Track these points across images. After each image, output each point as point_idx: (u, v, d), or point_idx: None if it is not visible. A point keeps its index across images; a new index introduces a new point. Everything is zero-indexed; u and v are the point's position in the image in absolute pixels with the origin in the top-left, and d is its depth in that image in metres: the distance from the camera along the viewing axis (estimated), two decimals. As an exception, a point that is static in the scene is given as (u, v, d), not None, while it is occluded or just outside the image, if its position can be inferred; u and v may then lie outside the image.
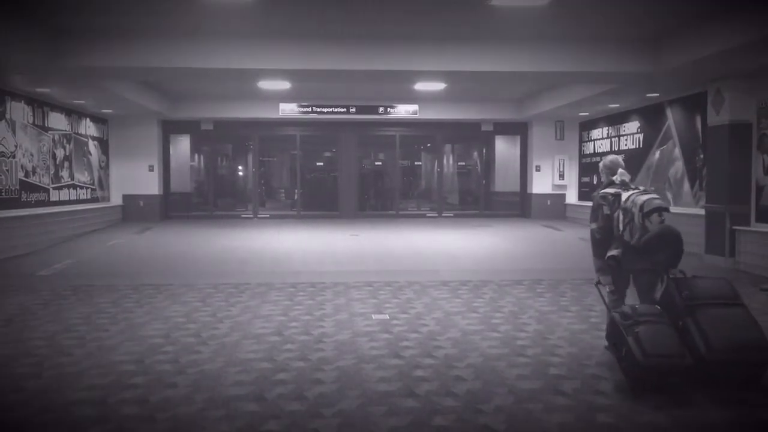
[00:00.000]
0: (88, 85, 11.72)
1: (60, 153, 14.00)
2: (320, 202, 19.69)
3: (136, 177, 17.14)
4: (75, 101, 13.89)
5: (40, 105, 13.03)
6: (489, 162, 19.90)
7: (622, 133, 15.21)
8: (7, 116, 11.65)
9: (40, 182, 12.96)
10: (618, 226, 5.05)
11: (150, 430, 3.92)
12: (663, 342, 4.43)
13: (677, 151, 12.75)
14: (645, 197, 4.91)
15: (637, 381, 4.53)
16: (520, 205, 18.89)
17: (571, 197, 18.04)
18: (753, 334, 4.53)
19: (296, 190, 19.31)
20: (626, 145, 14.97)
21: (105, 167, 16.76)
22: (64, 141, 14.23)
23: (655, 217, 4.82)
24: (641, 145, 14.23)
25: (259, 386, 4.65)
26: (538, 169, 18.16)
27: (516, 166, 19.16)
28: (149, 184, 17.28)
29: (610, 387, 4.65)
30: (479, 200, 19.68)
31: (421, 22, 9.10)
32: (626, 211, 4.97)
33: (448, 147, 21.16)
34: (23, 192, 12.22)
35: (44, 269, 9.96)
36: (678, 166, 12.70)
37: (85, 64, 9.69)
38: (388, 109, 17.29)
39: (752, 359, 4.49)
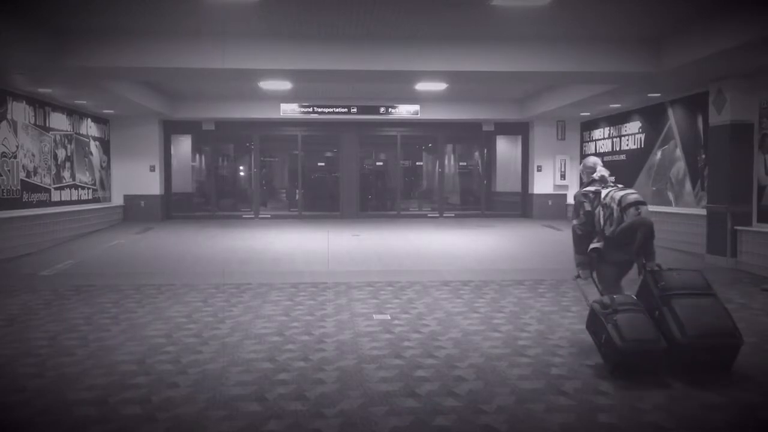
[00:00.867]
0: (89, 85, 11.73)
1: (61, 153, 14.01)
2: (322, 203, 19.70)
3: (138, 177, 17.15)
4: (76, 101, 13.90)
5: (42, 105, 13.04)
6: (490, 162, 19.90)
7: (623, 133, 15.20)
8: (9, 116, 11.66)
9: (41, 183, 12.97)
10: (599, 221, 5.41)
11: (151, 430, 3.92)
12: (639, 328, 4.77)
13: (679, 151, 12.74)
14: (622, 193, 5.28)
15: (616, 365, 4.84)
16: (522, 206, 18.89)
17: (573, 197, 18.00)
18: (724, 322, 4.90)
19: (297, 191, 19.32)
20: (628, 145, 14.96)
21: (106, 167, 16.78)
22: (66, 141, 14.24)
23: (632, 210, 5.16)
24: (643, 145, 14.22)
25: (260, 386, 4.66)
26: (539, 169, 18.15)
27: (517, 166, 19.15)
28: (150, 185, 17.29)
29: (611, 387, 4.65)
30: (480, 200, 19.66)
31: (422, 23, 9.11)
32: (606, 207, 5.34)
33: (449, 147, 21.14)
34: (25, 192, 12.23)
35: (46, 269, 9.98)
36: (679, 166, 12.69)
37: (87, 64, 9.70)
38: (390, 110, 17.28)
39: (723, 344, 4.85)
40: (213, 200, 19.02)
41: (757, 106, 10.29)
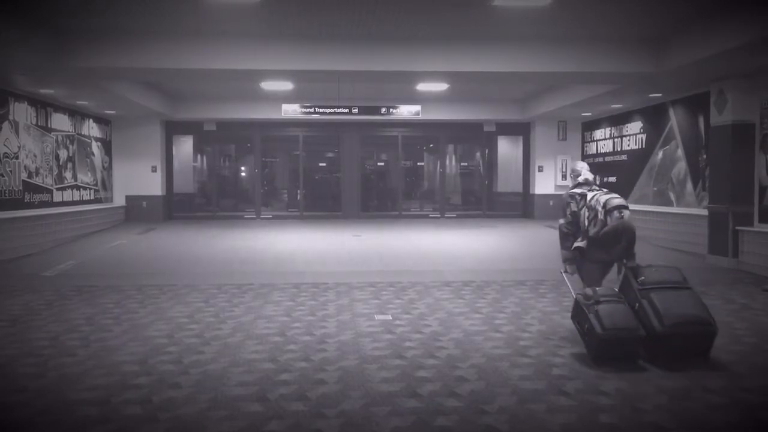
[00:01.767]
0: (90, 85, 11.75)
1: (63, 154, 14.03)
2: (323, 203, 19.70)
3: (139, 178, 17.17)
4: (78, 102, 13.92)
5: (43, 106, 13.06)
6: (491, 162, 19.89)
7: (624, 133, 15.19)
8: (11, 117, 11.68)
9: (43, 183, 12.99)
10: (584, 222, 5.77)
11: (152, 430, 3.93)
12: (619, 317, 5.11)
13: (680, 152, 12.73)
14: (607, 197, 5.66)
15: (598, 352, 5.16)
16: (523, 206, 18.88)
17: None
18: (700, 312, 5.24)
19: (299, 191, 19.33)
20: (629, 145, 14.95)
21: (108, 168, 16.79)
22: (68, 142, 14.26)
23: (615, 213, 5.53)
24: (644, 146, 14.21)
25: (261, 386, 4.66)
26: (540, 169, 18.15)
27: (518, 166, 19.15)
28: (152, 185, 17.30)
29: (612, 387, 4.65)
30: (482, 201, 19.66)
31: (423, 23, 9.11)
32: (591, 209, 5.71)
33: (450, 147, 21.13)
34: (26, 193, 12.25)
35: (48, 270, 9.99)
36: (681, 167, 12.68)
37: (88, 64, 9.72)
38: (391, 110, 17.28)
39: (699, 332, 5.19)
40: (214, 201, 19.04)
41: (758, 106, 10.28)
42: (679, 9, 8.41)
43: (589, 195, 5.80)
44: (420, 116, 17.36)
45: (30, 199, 12.39)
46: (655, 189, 13.63)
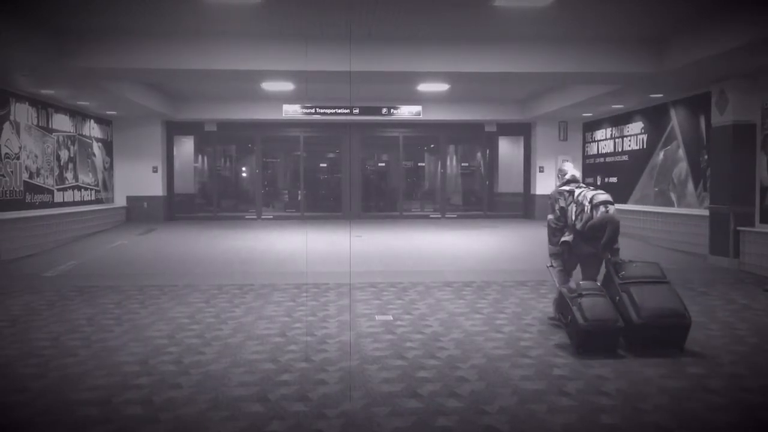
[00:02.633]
0: (91, 86, 11.76)
1: (64, 154, 14.04)
2: (324, 203, 19.70)
3: (140, 178, 17.18)
4: (79, 103, 13.93)
5: (44, 106, 13.07)
6: (492, 163, 19.89)
7: (625, 133, 15.19)
8: (12, 118, 11.69)
9: (44, 184, 13.00)
10: (571, 217, 6.11)
11: (153, 430, 3.93)
12: (600, 309, 5.43)
13: (681, 152, 12.72)
14: (593, 193, 6.01)
15: (580, 341, 5.45)
16: (524, 206, 18.88)
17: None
18: (675, 305, 5.53)
19: (300, 191, 19.34)
20: (630, 145, 14.95)
21: (109, 169, 16.81)
22: (69, 142, 14.27)
23: (601, 208, 5.87)
24: (645, 146, 14.21)
25: (262, 387, 4.66)
26: (541, 170, 18.15)
27: (519, 166, 19.15)
28: (153, 186, 17.32)
29: (613, 388, 4.65)
30: (482, 201, 19.66)
31: (424, 24, 9.11)
32: (578, 204, 6.04)
33: (451, 148, 21.13)
34: (27, 193, 12.26)
35: (49, 270, 9.99)
36: (682, 167, 12.67)
37: (89, 65, 9.72)
38: (392, 110, 17.29)
39: (674, 324, 5.49)
40: (215, 201, 19.04)
41: (759, 107, 10.27)
42: (680, 9, 8.41)
43: (577, 191, 6.14)
44: (421, 117, 17.38)
45: (31, 199, 12.40)
46: (656, 189, 13.63)
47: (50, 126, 13.35)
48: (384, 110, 17.26)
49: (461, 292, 8.29)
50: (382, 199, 20.32)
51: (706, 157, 11.72)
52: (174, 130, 18.01)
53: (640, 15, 8.67)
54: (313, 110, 17.07)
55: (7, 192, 11.43)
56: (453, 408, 4.26)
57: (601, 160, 16.49)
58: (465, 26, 9.22)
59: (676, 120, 12.95)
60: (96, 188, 15.86)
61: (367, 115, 17.32)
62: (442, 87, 13.12)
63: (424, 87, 13.21)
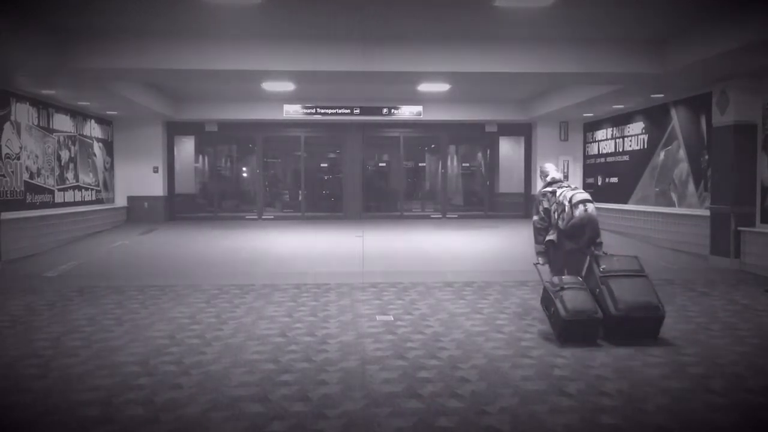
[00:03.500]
0: (92, 86, 11.75)
1: (65, 155, 14.04)
2: (325, 204, 19.70)
3: (141, 178, 17.18)
4: (80, 103, 13.92)
5: (45, 106, 13.07)
6: (493, 163, 19.87)
7: (626, 134, 15.17)
8: (12, 118, 11.68)
9: (45, 184, 13.00)
10: (554, 216, 6.46)
11: (155, 430, 3.93)
12: (581, 302, 5.80)
13: (682, 152, 12.71)
14: (572, 192, 6.35)
15: (561, 332, 5.81)
16: (525, 206, 18.86)
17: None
18: (650, 298, 5.88)
19: (300, 192, 19.33)
20: (631, 146, 14.94)
21: (110, 169, 16.80)
22: (69, 143, 14.27)
23: (580, 206, 6.22)
24: (646, 146, 14.20)
25: (263, 387, 4.66)
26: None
27: (520, 167, 19.14)
28: (154, 186, 17.32)
29: (614, 388, 4.65)
30: (483, 201, 19.65)
31: (425, 24, 9.11)
32: (559, 204, 6.39)
33: (452, 148, 21.11)
34: (28, 194, 12.25)
35: (49, 270, 10.00)
36: (683, 167, 12.66)
37: (90, 65, 9.72)
38: (393, 111, 17.28)
39: (648, 316, 5.85)
40: (216, 201, 19.04)
41: (760, 107, 10.27)
42: (682, 9, 8.39)
43: (558, 192, 6.47)
44: (422, 117, 17.36)
45: (32, 199, 12.40)
46: (657, 189, 13.62)
47: (51, 126, 13.35)
48: (385, 110, 17.25)
49: (462, 293, 8.29)
50: (382, 199, 20.30)
51: (707, 157, 11.71)
52: (175, 130, 18.00)
53: (641, 15, 8.66)
54: (313, 110, 17.06)
55: (8, 192, 11.43)
56: (454, 408, 4.26)
57: (602, 160, 16.48)
58: (466, 26, 9.21)
59: (677, 120, 12.94)
60: (97, 188, 15.86)
61: (367, 115, 17.31)
62: (442, 87, 13.11)
63: (424, 87, 13.20)
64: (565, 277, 6.10)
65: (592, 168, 17.14)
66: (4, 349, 5.72)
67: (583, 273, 6.31)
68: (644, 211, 13.81)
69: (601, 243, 6.38)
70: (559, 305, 5.81)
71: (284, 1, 8.08)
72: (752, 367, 5.21)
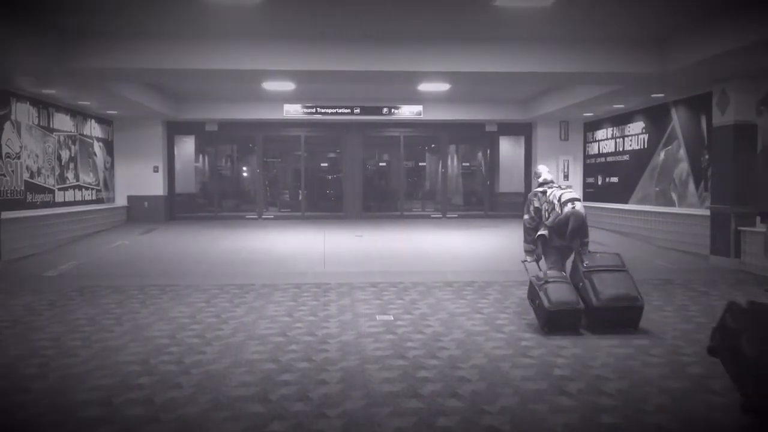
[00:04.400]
0: (93, 86, 11.75)
1: (65, 154, 14.04)
2: (325, 203, 19.70)
3: (141, 178, 17.18)
4: (80, 102, 13.92)
5: (45, 106, 13.07)
6: (493, 163, 19.87)
7: (626, 133, 15.18)
8: (12, 117, 11.69)
9: (45, 183, 13.00)
10: (545, 214, 6.82)
11: (155, 430, 3.93)
12: (564, 294, 6.18)
13: (682, 152, 12.71)
14: (561, 192, 6.71)
15: (545, 322, 6.18)
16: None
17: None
18: (629, 290, 6.27)
19: (300, 191, 19.34)
20: (631, 145, 14.94)
21: (110, 168, 16.81)
22: (69, 142, 14.27)
23: (568, 205, 6.56)
24: (646, 146, 14.20)
25: (263, 387, 4.66)
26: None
27: (520, 166, 19.14)
28: (154, 185, 17.32)
29: (614, 388, 4.65)
30: (483, 201, 19.65)
31: (425, 23, 9.11)
32: (549, 203, 6.76)
33: (452, 148, 21.11)
34: (28, 193, 12.26)
35: (50, 270, 10.00)
36: (683, 167, 12.67)
37: (91, 65, 9.72)
38: (393, 110, 17.28)
39: (628, 307, 6.22)
40: (216, 201, 19.04)
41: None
42: (682, 9, 8.39)
43: (548, 191, 6.83)
44: (422, 116, 17.36)
45: (32, 199, 12.41)
46: (657, 189, 13.62)
47: (51, 126, 13.35)
48: (385, 110, 17.25)
49: (462, 292, 8.29)
50: (383, 199, 20.30)
51: (707, 157, 11.71)
52: (175, 129, 18.00)
53: (641, 15, 8.66)
54: (314, 110, 17.06)
55: (8, 192, 11.43)
56: (454, 408, 4.26)
57: (602, 159, 16.48)
58: (466, 26, 9.21)
59: (677, 120, 12.94)
60: (97, 188, 15.87)
61: (368, 114, 17.31)
62: (442, 87, 13.10)
63: (424, 87, 13.20)
64: (550, 272, 6.49)
65: (593, 168, 17.14)
66: (4, 349, 5.72)
67: (570, 268, 6.72)
68: (644, 211, 13.81)
69: (587, 242, 6.69)
70: (543, 297, 6.17)
71: (284, 1, 8.08)
72: (752, 366, 5.21)
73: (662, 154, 13.48)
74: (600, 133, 16.72)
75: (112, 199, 16.84)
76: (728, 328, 2.75)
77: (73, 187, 14.46)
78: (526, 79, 11.44)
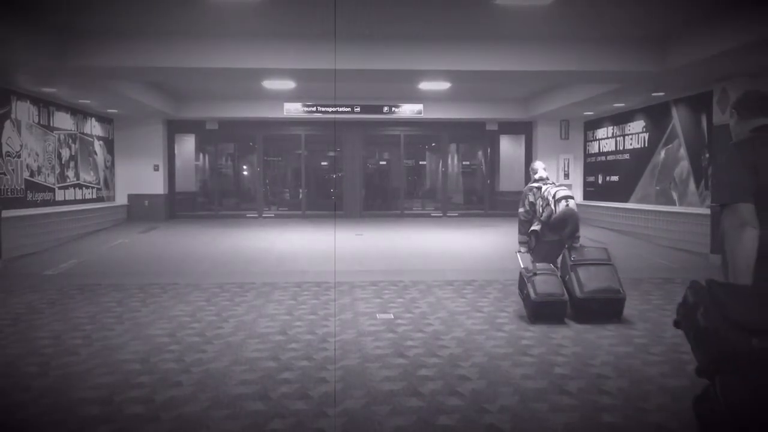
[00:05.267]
0: (93, 85, 11.75)
1: (65, 153, 14.04)
2: (325, 202, 19.71)
3: (142, 176, 17.18)
4: (80, 101, 13.93)
5: (46, 105, 13.07)
6: (494, 161, 19.88)
7: (627, 132, 15.17)
8: (13, 116, 11.69)
9: (45, 182, 13.00)
10: (539, 210, 6.98)
11: (155, 429, 3.93)
12: (550, 286, 6.54)
13: (682, 151, 12.71)
14: (556, 189, 6.91)
15: (532, 312, 6.53)
16: (525, 205, 18.84)
17: (576, 197, 17.94)
18: (612, 283, 6.56)
19: (301, 190, 19.34)
20: (631, 144, 14.93)
21: (110, 167, 16.81)
22: (70, 141, 14.27)
23: (562, 202, 6.78)
24: (646, 145, 14.20)
25: (263, 385, 4.66)
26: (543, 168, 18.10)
27: (521, 165, 19.13)
28: (154, 184, 17.32)
29: (614, 386, 4.65)
30: (484, 200, 19.66)
31: (425, 22, 9.10)
32: (543, 199, 6.94)
33: (452, 146, 21.12)
34: (29, 192, 12.26)
35: (50, 269, 10.00)
36: (683, 166, 12.66)
37: (91, 64, 9.72)
38: (393, 109, 17.29)
39: (610, 298, 6.53)
40: (216, 200, 19.05)
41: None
42: (682, 8, 8.39)
43: (543, 188, 7.02)
44: (422, 115, 17.36)
45: (32, 197, 12.41)
46: (658, 188, 13.61)
47: (51, 124, 13.35)
48: (385, 109, 17.25)
49: (462, 291, 8.29)
50: (383, 198, 20.31)
51: (707, 155, 11.71)
52: (175, 128, 18.01)
53: (642, 14, 8.66)
54: (314, 108, 17.06)
55: (9, 190, 11.44)
56: (454, 406, 4.26)
57: (603, 158, 16.48)
58: (466, 24, 9.21)
59: (677, 119, 12.93)
60: (97, 186, 15.87)
61: (368, 113, 17.31)
62: (443, 85, 13.11)
63: (425, 85, 13.20)
64: (539, 264, 6.77)
65: (593, 166, 17.13)
66: (5, 347, 5.72)
67: (559, 262, 6.98)
68: (645, 210, 13.80)
69: (578, 237, 6.94)
70: (530, 289, 6.50)
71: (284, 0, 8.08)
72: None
73: (663, 153, 13.47)
74: (600, 132, 16.71)
75: (112, 198, 16.84)
76: (688, 302, 3.00)
77: (74, 186, 14.46)
78: (526, 77, 11.44)
